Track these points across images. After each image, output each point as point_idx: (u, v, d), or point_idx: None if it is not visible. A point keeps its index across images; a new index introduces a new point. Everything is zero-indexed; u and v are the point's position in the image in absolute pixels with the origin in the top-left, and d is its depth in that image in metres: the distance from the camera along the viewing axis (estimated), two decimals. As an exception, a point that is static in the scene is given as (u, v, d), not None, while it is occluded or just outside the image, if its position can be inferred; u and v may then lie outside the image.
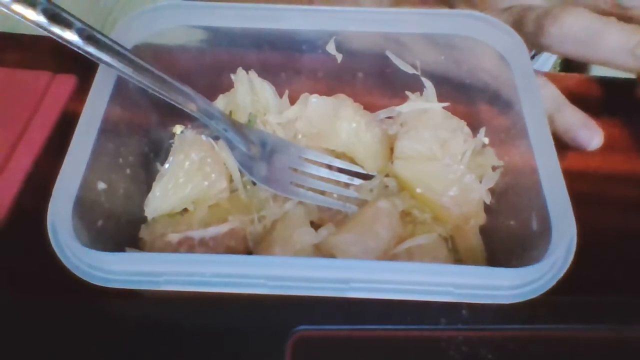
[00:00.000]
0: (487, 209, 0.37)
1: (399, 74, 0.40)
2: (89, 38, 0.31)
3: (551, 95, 0.40)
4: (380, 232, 0.34)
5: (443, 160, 0.37)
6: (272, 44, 0.39)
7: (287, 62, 0.41)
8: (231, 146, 0.37)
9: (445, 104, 0.40)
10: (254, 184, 0.39)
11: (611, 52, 0.37)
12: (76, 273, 0.27)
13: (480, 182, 0.37)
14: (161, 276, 0.27)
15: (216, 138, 0.39)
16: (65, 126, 0.34)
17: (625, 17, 0.40)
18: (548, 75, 0.47)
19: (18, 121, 0.43)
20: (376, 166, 0.40)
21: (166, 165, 0.37)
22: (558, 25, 0.37)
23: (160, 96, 0.33)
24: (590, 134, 0.38)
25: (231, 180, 0.39)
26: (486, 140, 0.39)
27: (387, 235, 0.34)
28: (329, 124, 0.39)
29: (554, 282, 0.27)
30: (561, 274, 0.27)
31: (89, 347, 0.33)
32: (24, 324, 0.34)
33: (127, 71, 0.32)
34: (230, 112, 0.41)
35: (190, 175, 0.37)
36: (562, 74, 0.49)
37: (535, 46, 0.39)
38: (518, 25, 0.38)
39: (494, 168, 0.38)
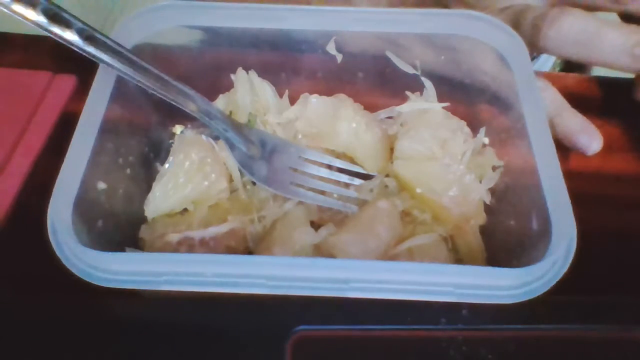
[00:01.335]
0: (487, 209, 0.37)
1: (399, 74, 0.40)
2: (89, 38, 0.31)
3: (552, 99, 0.40)
4: (380, 232, 0.34)
5: (443, 160, 0.37)
6: (272, 44, 0.39)
7: (287, 62, 0.41)
8: (231, 146, 0.37)
9: (445, 104, 0.40)
10: (254, 184, 0.39)
11: (610, 53, 0.37)
12: (76, 273, 0.27)
13: (480, 182, 0.37)
14: (161, 276, 0.27)
15: (216, 138, 0.39)
16: (65, 126, 0.34)
17: (622, 12, 0.40)
18: (548, 75, 0.47)
19: (18, 121, 0.43)
20: (376, 166, 0.40)
21: (166, 165, 0.37)
22: (556, 28, 0.37)
23: (160, 96, 0.33)
24: (590, 139, 0.39)
25: (231, 180, 0.39)
26: (486, 140, 0.39)
27: (387, 235, 0.34)
28: (329, 124, 0.39)
29: (554, 282, 0.27)
30: (561, 274, 0.27)
31: (88, 347, 0.33)
32: (24, 324, 0.34)
33: (127, 71, 0.32)
34: (230, 112, 0.40)
35: (190, 175, 0.37)
36: (562, 73, 0.49)
37: (534, 48, 0.39)
38: (515, 26, 0.38)
39: (494, 168, 0.38)
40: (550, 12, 0.38)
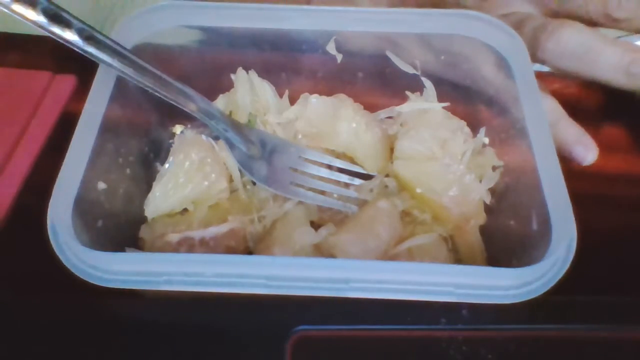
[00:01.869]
0: (487, 209, 0.37)
1: (399, 74, 0.40)
2: (89, 38, 0.31)
3: (549, 108, 0.40)
4: (380, 232, 0.34)
5: (443, 160, 0.37)
6: (272, 44, 0.39)
7: (287, 62, 0.41)
8: (231, 146, 0.37)
9: (445, 104, 0.40)
10: (254, 184, 0.39)
11: (606, 69, 0.37)
12: (76, 273, 0.27)
13: (480, 182, 0.37)
14: (161, 276, 0.27)
15: (216, 138, 0.39)
16: (65, 126, 0.34)
17: (616, 28, 0.40)
18: (548, 75, 0.47)
19: (18, 121, 0.43)
20: (376, 166, 0.40)
21: (166, 165, 0.37)
22: (554, 41, 0.37)
23: (160, 96, 0.33)
24: (585, 150, 0.39)
25: (231, 180, 0.39)
26: (486, 140, 0.39)
27: (387, 235, 0.34)
28: (329, 124, 0.39)
29: (554, 282, 0.27)
30: (561, 274, 0.27)
31: (88, 347, 0.33)
32: (24, 324, 0.34)
33: (127, 71, 0.32)
34: (230, 112, 0.41)
35: (190, 175, 0.37)
36: (562, 74, 0.49)
37: (532, 59, 0.39)
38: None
39: (494, 168, 0.38)
40: (550, 24, 0.38)
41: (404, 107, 0.40)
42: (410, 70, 0.40)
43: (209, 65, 0.41)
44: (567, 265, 0.27)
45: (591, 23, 0.39)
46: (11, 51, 0.48)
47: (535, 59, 0.39)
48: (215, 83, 0.41)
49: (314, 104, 0.39)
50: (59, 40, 0.30)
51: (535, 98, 0.33)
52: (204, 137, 0.39)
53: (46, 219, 0.28)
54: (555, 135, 0.39)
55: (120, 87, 0.34)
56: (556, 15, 0.41)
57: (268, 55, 0.40)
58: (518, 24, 0.40)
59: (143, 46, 0.37)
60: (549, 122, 0.39)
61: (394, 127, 0.40)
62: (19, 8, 0.29)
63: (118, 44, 0.32)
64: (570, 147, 0.39)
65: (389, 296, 0.27)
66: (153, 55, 0.37)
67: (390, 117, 0.41)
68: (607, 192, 0.41)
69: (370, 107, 0.41)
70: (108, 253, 0.28)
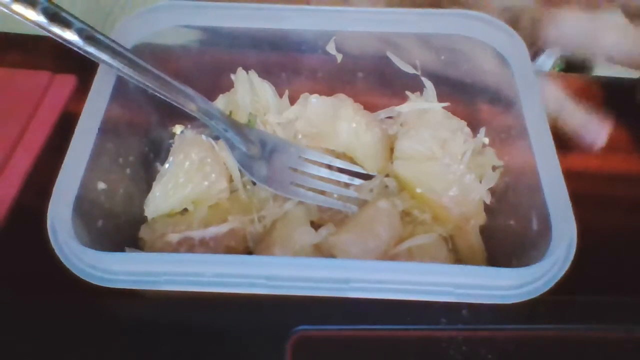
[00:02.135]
0: (487, 209, 0.37)
1: (399, 74, 0.40)
2: (89, 38, 0.31)
3: (554, 97, 0.40)
4: (380, 232, 0.34)
5: (443, 160, 0.37)
6: (272, 44, 0.39)
7: (287, 62, 0.41)
8: (231, 146, 0.37)
9: (445, 104, 0.40)
10: (254, 184, 0.39)
11: (608, 48, 0.37)
12: (76, 273, 0.27)
13: (480, 182, 0.37)
14: (161, 276, 0.27)
15: (216, 138, 0.39)
16: (65, 126, 0.34)
17: (613, 8, 0.40)
18: (548, 76, 0.47)
19: (18, 121, 0.43)
20: (376, 166, 0.40)
21: (166, 165, 0.37)
22: (554, 29, 0.37)
23: (160, 96, 0.33)
24: (594, 134, 0.39)
25: (231, 180, 0.39)
26: (486, 140, 0.39)
27: (387, 235, 0.34)
28: (329, 124, 0.39)
29: (554, 282, 0.27)
30: (561, 274, 0.27)
31: (88, 347, 0.33)
32: (24, 324, 0.34)
33: (127, 71, 0.32)
34: (230, 112, 0.41)
35: (190, 175, 0.37)
36: (563, 73, 0.49)
37: (533, 42, 0.39)
38: (514, 24, 0.39)
39: (494, 168, 0.38)
40: (548, 14, 0.38)
41: (404, 107, 0.40)
42: (410, 70, 0.40)
43: (209, 65, 0.41)
44: (567, 265, 0.27)
45: (588, 5, 0.39)
46: (11, 51, 0.48)
47: (537, 41, 0.39)
48: (215, 83, 0.41)
49: (314, 104, 0.39)
50: (59, 40, 0.30)
51: (535, 98, 0.33)
52: (204, 137, 0.39)
53: (46, 219, 0.28)
54: (563, 122, 0.39)
55: (120, 87, 0.34)
56: (552, 2, 0.41)
57: (268, 55, 0.40)
58: (516, 17, 0.40)
59: (143, 46, 0.37)
60: (555, 110, 0.39)
61: (394, 127, 0.40)
62: (19, 8, 0.29)
63: (118, 44, 0.32)
64: (578, 132, 0.39)
65: (389, 296, 0.27)
66: (153, 55, 0.37)
67: (390, 117, 0.41)
68: (607, 192, 0.41)
69: (370, 107, 0.41)
70: (108, 253, 0.28)
